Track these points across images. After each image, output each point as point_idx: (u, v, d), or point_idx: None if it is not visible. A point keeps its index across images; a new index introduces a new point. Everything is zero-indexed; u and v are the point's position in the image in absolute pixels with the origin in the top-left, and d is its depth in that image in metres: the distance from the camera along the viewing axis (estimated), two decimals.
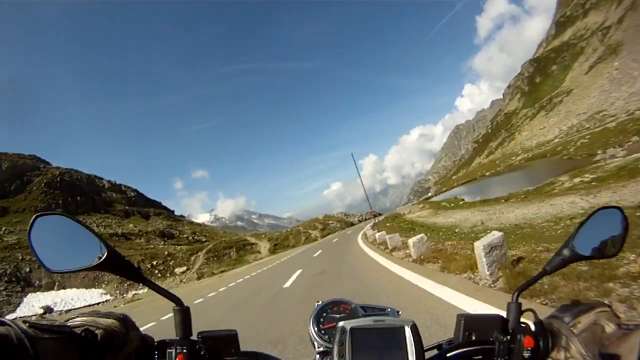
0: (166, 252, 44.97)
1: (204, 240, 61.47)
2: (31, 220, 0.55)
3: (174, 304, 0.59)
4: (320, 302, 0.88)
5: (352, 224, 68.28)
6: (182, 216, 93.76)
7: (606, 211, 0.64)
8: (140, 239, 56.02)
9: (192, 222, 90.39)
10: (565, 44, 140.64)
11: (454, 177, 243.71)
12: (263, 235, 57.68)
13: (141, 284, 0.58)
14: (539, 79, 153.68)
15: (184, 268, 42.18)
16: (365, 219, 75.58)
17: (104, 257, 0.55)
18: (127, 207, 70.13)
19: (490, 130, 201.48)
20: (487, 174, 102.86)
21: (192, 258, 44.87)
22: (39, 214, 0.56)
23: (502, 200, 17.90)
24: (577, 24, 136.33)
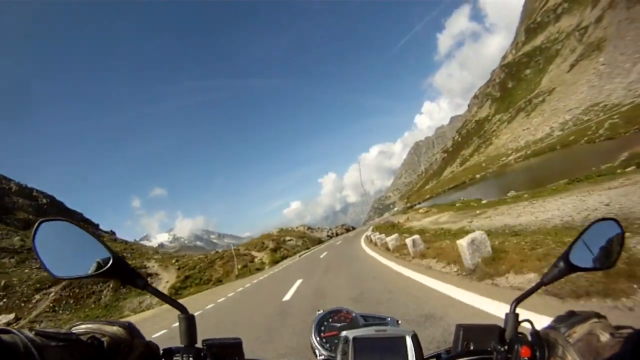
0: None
1: None
2: (35, 226, 0.54)
3: (179, 312, 0.59)
4: (322, 311, 0.88)
5: (320, 241, 52.98)
6: (111, 232, 68.54)
7: (603, 223, 0.65)
8: (13, 257, 34.40)
9: (125, 241, 64.18)
10: (537, 49, 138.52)
11: (425, 187, 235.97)
12: (174, 261, 34.10)
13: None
14: (512, 84, 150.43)
15: (12, 316, 23.98)
16: (337, 234, 62.24)
17: (109, 264, 0.55)
18: (31, 217, 51.51)
19: (460, 139, 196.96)
20: (478, 176, 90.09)
21: (38, 296, 26.83)
22: (43, 219, 0.55)
23: None
24: (549, 29, 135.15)
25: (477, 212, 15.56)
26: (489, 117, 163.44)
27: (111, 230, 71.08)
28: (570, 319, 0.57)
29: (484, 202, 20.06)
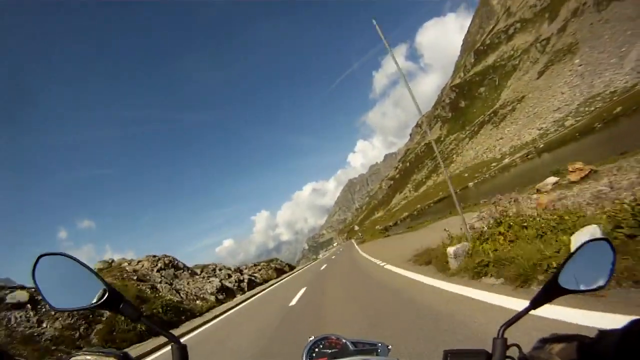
0: None
1: None
2: (34, 260, 0.55)
3: (172, 342, 0.60)
4: (313, 338, 0.89)
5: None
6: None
7: (594, 243, 0.62)
8: None
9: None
10: (490, 67, 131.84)
11: (371, 217, 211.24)
12: None
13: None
14: (465, 103, 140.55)
15: None
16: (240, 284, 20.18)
17: (105, 296, 0.56)
18: None
19: (408, 165, 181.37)
20: (470, 184, 64.03)
21: None
22: (42, 254, 0.56)
23: None
24: (502, 48, 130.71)
25: None
26: (442, 138, 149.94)
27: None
28: (554, 340, 0.56)
29: None
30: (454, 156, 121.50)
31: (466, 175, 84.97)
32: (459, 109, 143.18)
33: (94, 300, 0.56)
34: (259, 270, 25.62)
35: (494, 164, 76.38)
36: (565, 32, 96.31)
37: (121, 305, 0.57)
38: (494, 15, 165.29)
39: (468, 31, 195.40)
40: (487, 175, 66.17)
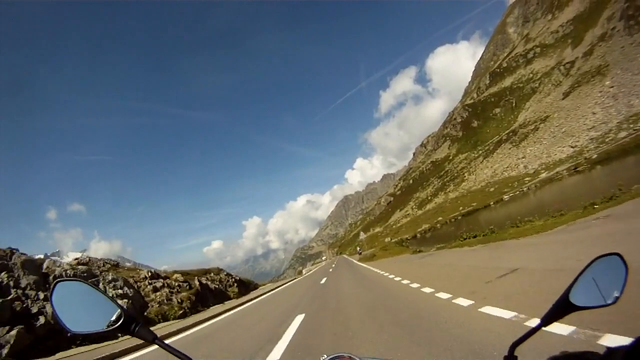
0: None
1: None
2: (52, 286, 0.59)
3: None
4: (325, 357, 0.88)
5: None
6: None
7: (605, 258, 0.61)
8: None
9: None
10: (506, 89, 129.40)
11: (368, 233, 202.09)
12: None
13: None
14: (478, 123, 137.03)
15: None
16: None
17: (121, 320, 0.59)
18: None
19: (411, 182, 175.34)
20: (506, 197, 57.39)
21: None
22: (59, 279, 0.59)
23: None
24: (519, 72, 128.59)
25: None
26: (450, 157, 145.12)
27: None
28: (564, 358, 0.55)
29: None
30: (466, 174, 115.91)
31: (492, 189, 78.56)
32: (470, 129, 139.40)
33: (110, 324, 0.58)
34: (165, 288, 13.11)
35: (527, 179, 70.30)
36: (592, 55, 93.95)
37: (136, 328, 0.59)
38: (509, 43, 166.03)
39: (481, 57, 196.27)
40: (524, 189, 59.69)
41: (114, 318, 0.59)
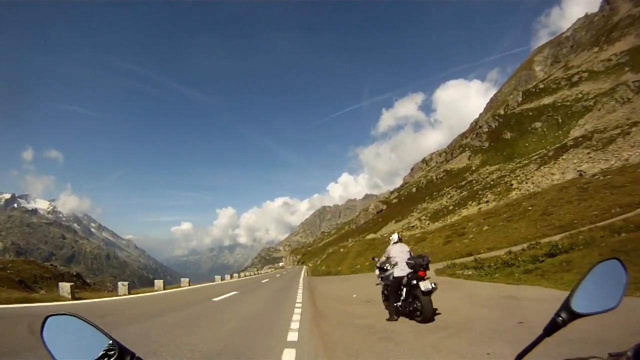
0: None
1: None
2: (42, 321, 0.56)
3: None
4: None
5: None
6: None
7: (604, 264, 0.61)
8: None
9: None
10: (547, 106, 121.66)
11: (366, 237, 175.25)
12: None
13: None
14: (511, 135, 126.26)
15: None
16: None
17: (115, 354, 0.57)
18: None
19: (415, 191, 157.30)
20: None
21: None
22: (49, 314, 0.57)
23: None
24: (563, 92, 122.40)
25: None
26: (473, 168, 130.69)
27: None
28: None
29: None
30: (514, 183, 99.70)
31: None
32: (501, 140, 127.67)
33: (102, 357, 0.56)
34: None
35: None
36: None
37: None
38: (532, 80, 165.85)
39: (499, 90, 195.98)
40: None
41: (107, 351, 0.57)
